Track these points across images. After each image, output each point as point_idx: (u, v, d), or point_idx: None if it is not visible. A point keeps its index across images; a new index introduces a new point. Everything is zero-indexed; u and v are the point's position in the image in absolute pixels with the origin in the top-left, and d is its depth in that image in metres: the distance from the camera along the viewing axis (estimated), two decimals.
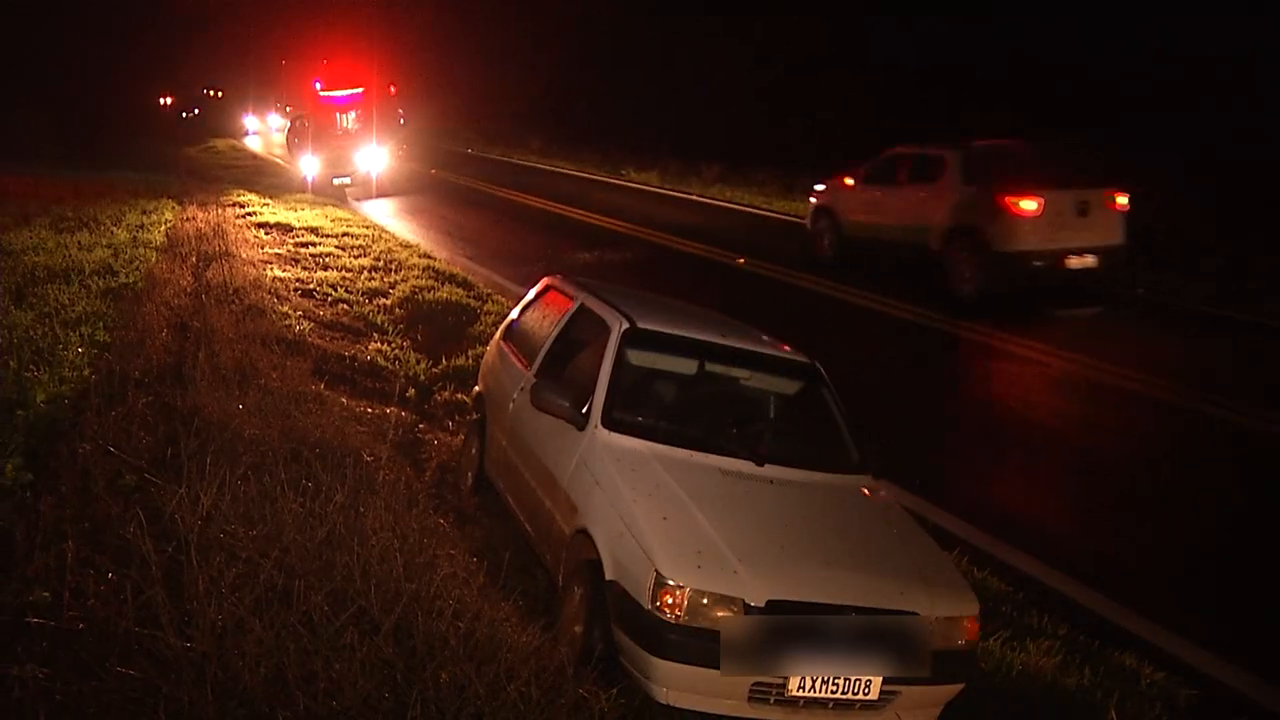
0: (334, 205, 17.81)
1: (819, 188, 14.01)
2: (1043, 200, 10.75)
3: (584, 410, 4.50)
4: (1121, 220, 11.25)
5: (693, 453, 4.34)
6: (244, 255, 11.14)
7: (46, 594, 3.42)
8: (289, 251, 12.34)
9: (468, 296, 10.55)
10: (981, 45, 21.03)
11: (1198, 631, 4.76)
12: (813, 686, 3.59)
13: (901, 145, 12.79)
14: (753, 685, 3.60)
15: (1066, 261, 10.86)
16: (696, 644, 3.54)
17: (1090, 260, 10.95)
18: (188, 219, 13.88)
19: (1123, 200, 11.26)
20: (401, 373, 7.97)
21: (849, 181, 13.31)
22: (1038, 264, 10.81)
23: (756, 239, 15.54)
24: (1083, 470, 6.92)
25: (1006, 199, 10.81)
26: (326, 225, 14.59)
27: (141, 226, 12.77)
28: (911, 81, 21.66)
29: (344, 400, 6.81)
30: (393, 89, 27.96)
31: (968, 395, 8.18)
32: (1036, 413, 7.82)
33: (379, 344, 8.76)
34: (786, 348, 5.28)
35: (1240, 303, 11.60)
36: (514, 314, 6.31)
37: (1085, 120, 17.15)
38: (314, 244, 12.98)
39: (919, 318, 10.59)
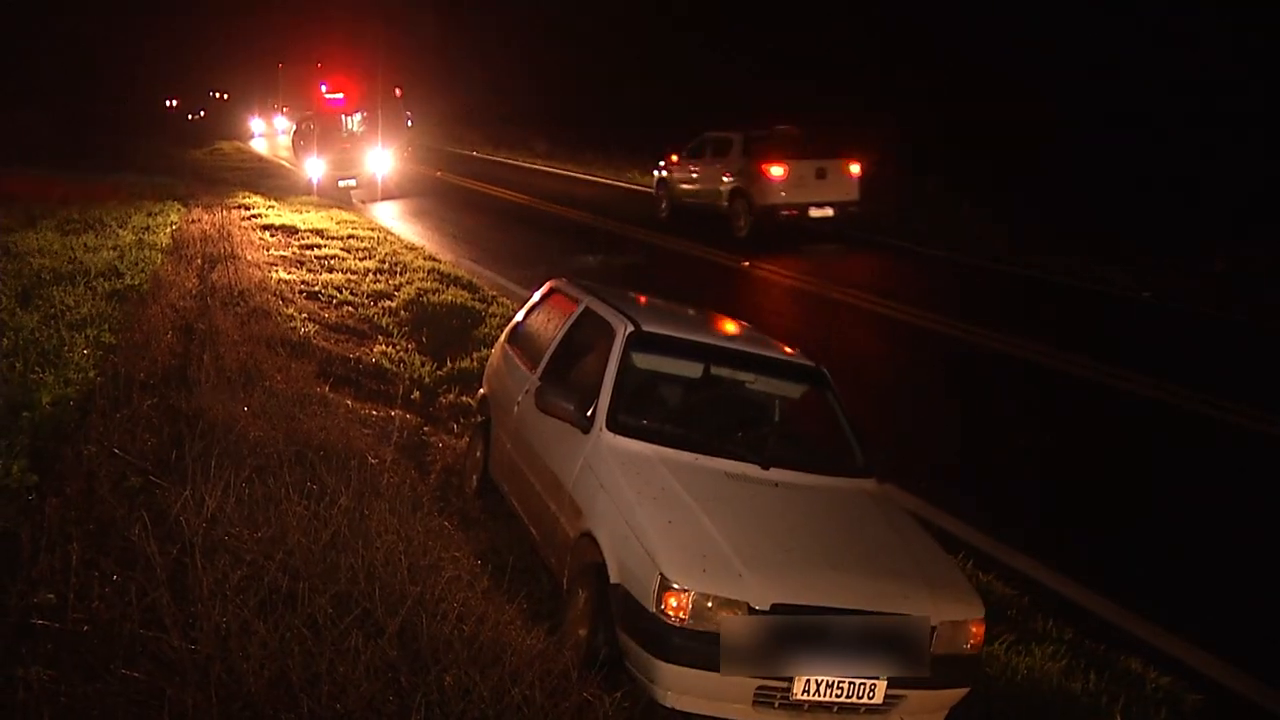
0: (339, 208, 17.84)
1: (661, 164, 17.80)
2: (787, 167, 14.93)
3: (589, 413, 4.49)
4: (855, 183, 15.30)
5: (698, 456, 4.33)
6: (249, 257, 11.16)
7: (51, 596, 3.42)
8: (294, 254, 12.36)
9: (472, 299, 10.55)
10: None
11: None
12: (817, 690, 3.58)
13: (711, 130, 16.70)
14: (757, 689, 3.59)
15: (809, 212, 14.99)
16: (701, 647, 3.53)
17: (829, 211, 15.08)
18: (193, 221, 13.92)
19: (855, 168, 15.29)
20: (406, 375, 7.97)
21: (675, 159, 17.35)
22: (786, 214, 14.99)
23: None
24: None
25: (762, 166, 15.03)
26: (331, 228, 14.61)
27: (147, 229, 12.81)
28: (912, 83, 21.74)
29: (349, 403, 6.81)
30: (398, 91, 27.99)
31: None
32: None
33: (384, 346, 8.76)
34: (792, 351, 5.27)
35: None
36: (519, 317, 6.30)
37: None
38: (319, 246, 12.99)
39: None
